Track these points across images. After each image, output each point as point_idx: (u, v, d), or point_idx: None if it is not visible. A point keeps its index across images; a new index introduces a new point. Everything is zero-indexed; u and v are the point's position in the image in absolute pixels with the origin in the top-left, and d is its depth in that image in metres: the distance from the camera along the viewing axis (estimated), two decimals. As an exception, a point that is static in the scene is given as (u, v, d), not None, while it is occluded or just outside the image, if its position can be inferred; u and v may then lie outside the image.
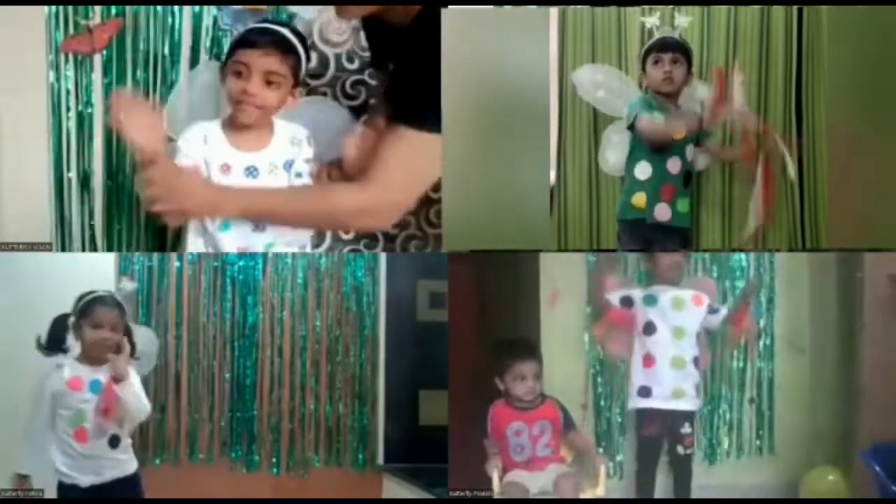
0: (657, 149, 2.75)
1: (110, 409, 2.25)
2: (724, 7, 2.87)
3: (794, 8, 2.83)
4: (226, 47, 2.52)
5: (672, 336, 2.64)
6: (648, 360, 2.66)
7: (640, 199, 2.76)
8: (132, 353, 2.35)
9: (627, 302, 2.69)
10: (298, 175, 2.32)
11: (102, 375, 2.28)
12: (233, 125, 2.29)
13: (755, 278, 2.86)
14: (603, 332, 2.76)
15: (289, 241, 2.35)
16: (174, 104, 2.62)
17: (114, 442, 2.31)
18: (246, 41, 2.23)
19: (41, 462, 2.32)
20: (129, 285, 2.48)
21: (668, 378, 2.63)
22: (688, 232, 2.82)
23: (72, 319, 2.35)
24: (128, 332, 2.35)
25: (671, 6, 2.84)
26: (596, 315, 2.81)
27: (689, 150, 2.77)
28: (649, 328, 2.66)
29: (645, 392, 2.66)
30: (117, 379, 2.25)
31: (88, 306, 2.32)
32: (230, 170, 2.25)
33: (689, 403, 2.65)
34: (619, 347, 2.75)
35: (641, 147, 2.78)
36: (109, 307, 2.33)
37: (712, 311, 2.69)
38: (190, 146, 2.25)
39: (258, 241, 2.29)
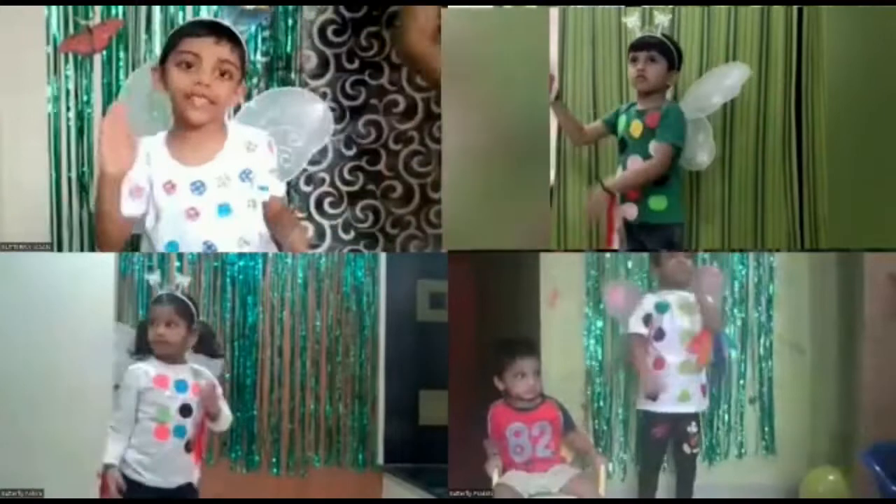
0: (623, 148, 2.74)
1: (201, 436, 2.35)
2: (724, 7, 2.87)
3: (794, 8, 2.83)
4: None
5: (680, 341, 2.64)
6: (659, 364, 2.66)
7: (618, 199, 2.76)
8: (211, 351, 2.40)
9: (648, 320, 2.68)
10: (263, 189, 2.14)
11: (184, 375, 2.31)
12: (177, 136, 2.10)
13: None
14: (644, 360, 2.70)
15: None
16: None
17: (189, 447, 2.32)
18: (193, 31, 2.06)
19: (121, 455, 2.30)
20: (184, 280, 2.42)
21: (675, 382, 2.63)
22: (671, 229, 2.72)
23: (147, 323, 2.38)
24: (206, 330, 2.41)
25: (650, 6, 2.82)
26: (626, 349, 2.78)
27: (653, 147, 2.65)
28: (659, 334, 2.66)
29: (653, 396, 2.65)
30: (210, 417, 2.33)
31: (149, 307, 2.40)
32: (175, 188, 2.07)
33: (694, 406, 2.65)
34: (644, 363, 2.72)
35: (617, 151, 2.77)
36: (162, 304, 2.33)
37: None
38: (136, 166, 2.07)
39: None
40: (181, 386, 2.30)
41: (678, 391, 2.63)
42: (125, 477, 2.26)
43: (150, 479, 2.27)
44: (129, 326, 2.76)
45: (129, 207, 2.07)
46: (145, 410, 2.28)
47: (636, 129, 2.69)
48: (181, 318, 2.32)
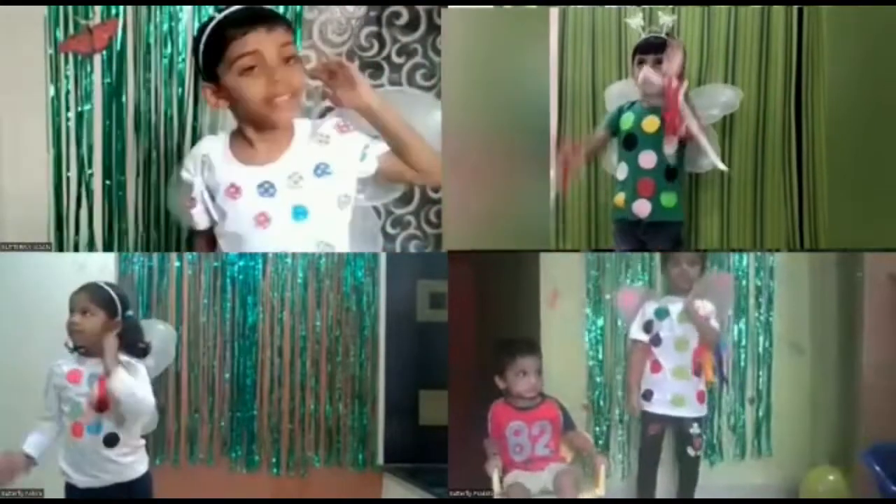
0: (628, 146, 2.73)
1: (102, 402, 2.17)
2: (723, 7, 2.87)
3: (794, 8, 2.83)
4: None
5: (675, 348, 2.66)
6: (656, 367, 2.68)
7: (619, 198, 2.74)
8: (136, 348, 2.25)
9: (649, 326, 2.70)
10: (364, 158, 1.92)
11: (100, 369, 2.20)
12: (242, 137, 1.92)
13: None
14: (638, 370, 2.72)
15: None
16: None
17: (110, 441, 2.19)
18: (238, 30, 1.81)
19: (47, 451, 2.27)
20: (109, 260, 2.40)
21: (669, 386, 2.65)
22: (677, 227, 2.75)
23: None
24: (130, 325, 2.25)
25: (654, 6, 2.82)
26: (627, 357, 2.80)
27: (668, 143, 2.65)
28: (657, 340, 2.68)
29: (647, 395, 2.68)
30: (106, 373, 2.16)
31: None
32: (239, 191, 1.87)
33: (689, 411, 2.66)
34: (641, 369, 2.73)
35: (620, 148, 2.77)
36: (79, 292, 2.24)
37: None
38: (192, 167, 1.96)
39: None
40: (94, 380, 2.19)
41: (671, 395, 2.65)
42: (66, 484, 2.22)
43: (79, 479, 2.21)
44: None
45: (194, 220, 1.97)
46: (62, 408, 2.22)
47: (651, 124, 2.68)
48: (98, 308, 2.20)
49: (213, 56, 1.83)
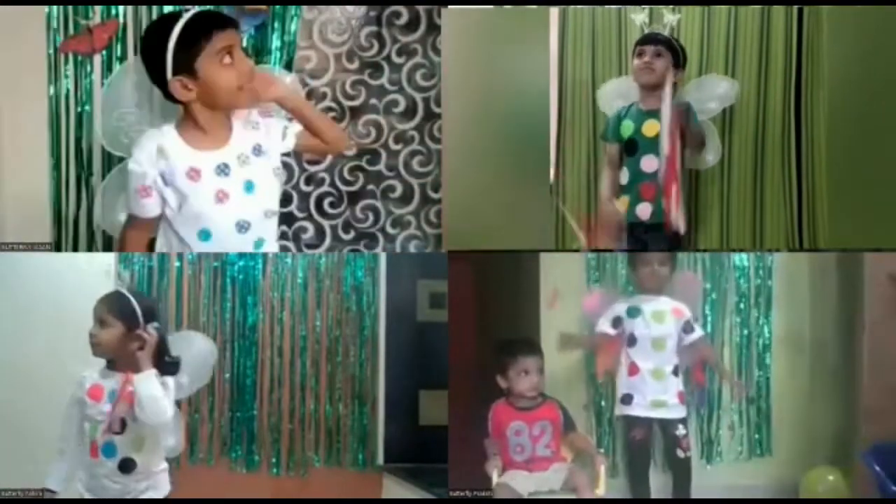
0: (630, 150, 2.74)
1: (121, 403, 2.05)
2: (724, 7, 2.87)
3: (794, 8, 2.83)
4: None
5: (651, 348, 2.65)
6: (633, 369, 2.67)
7: (622, 202, 2.75)
8: (164, 364, 2.11)
9: (618, 322, 2.69)
10: (287, 129, 2.21)
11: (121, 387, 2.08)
12: (189, 127, 2.11)
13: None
14: (607, 365, 2.73)
15: (273, 232, 2.21)
16: (108, 99, 2.41)
17: (125, 466, 2.07)
18: (212, 27, 2.03)
19: (70, 477, 2.14)
20: (126, 274, 2.34)
21: (648, 388, 2.64)
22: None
23: None
24: (163, 340, 2.12)
25: (658, 5, 2.83)
26: (594, 351, 2.78)
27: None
28: (632, 340, 2.67)
29: (627, 399, 2.67)
30: (134, 371, 2.05)
31: None
32: (199, 174, 2.08)
33: (670, 412, 2.65)
34: (609, 364, 2.75)
35: (624, 153, 2.77)
36: (99, 300, 2.14)
37: (687, 328, 2.68)
38: (143, 159, 2.08)
39: (244, 242, 2.13)
40: (114, 397, 2.08)
41: (651, 398, 2.64)
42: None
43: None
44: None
45: (146, 209, 2.10)
46: (83, 425, 2.11)
47: (651, 128, 2.69)
48: (116, 319, 2.10)
49: (191, 48, 2.02)
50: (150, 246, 2.20)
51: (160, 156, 2.07)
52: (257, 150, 2.15)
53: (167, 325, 2.38)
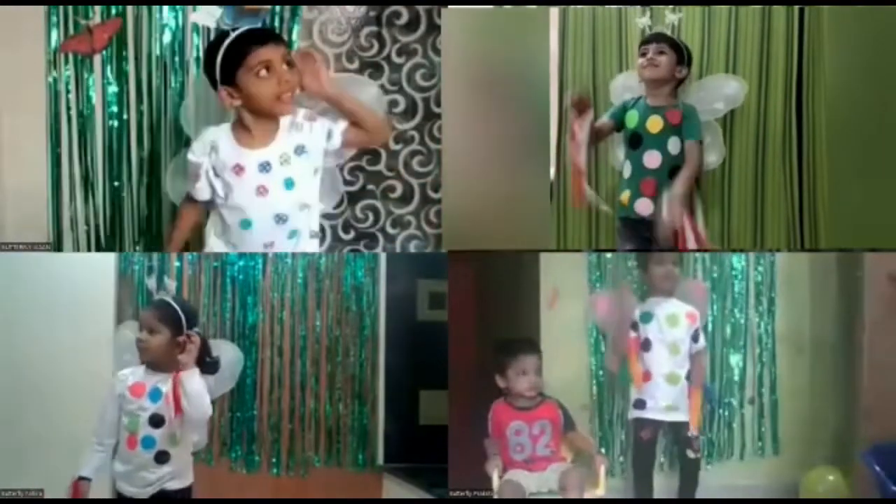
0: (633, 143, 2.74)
1: (177, 403, 2.21)
2: (724, 7, 2.87)
3: (796, 8, 2.83)
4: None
5: (668, 352, 2.66)
6: (646, 376, 2.67)
7: (624, 196, 2.75)
8: (207, 366, 2.29)
9: (634, 327, 2.70)
10: (331, 134, 2.37)
11: (164, 385, 2.25)
12: (240, 128, 2.33)
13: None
14: (619, 361, 2.76)
15: (309, 226, 2.38)
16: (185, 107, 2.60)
17: (160, 458, 2.26)
18: (252, 46, 2.25)
19: (104, 467, 2.31)
20: (171, 284, 2.42)
21: (662, 393, 2.65)
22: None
23: None
24: (204, 342, 2.30)
25: (660, 6, 2.83)
26: (610, 346, 2.80)
27: (673, 143, 2.70)
28: (646, 345, 2.68)
29: (640, 405, 2.68)
30: (181, 369, 2.21)
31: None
32: (244, 170, 2.30)
33: (684, 415, 2.66)
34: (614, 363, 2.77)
35: (626, 146, 2.77)
36: (147, 308, 2.35)
37: (696, 337, 2.69)
38: (199, 150, 2.33)
39: (282, 233, 2.32)
40: (155, 395, 2.27)
41: (665, 403, 2.65)
42: (114, 489, 2.29)
43: (127, 489, 2.27)
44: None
45: (197, 192, 2.34)
46: (122, 419, 2.27)
47: (655, 124, 2.70)
48: (164, 325, 2.27)
49: (233, 64, 2.25)
50: (198, 228, 2.47)
51: (212, 150, 2.31)
52: (300, 150, 2.33)
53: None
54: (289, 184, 2.31)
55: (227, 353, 2.64)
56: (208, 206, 2.39)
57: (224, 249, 2.37)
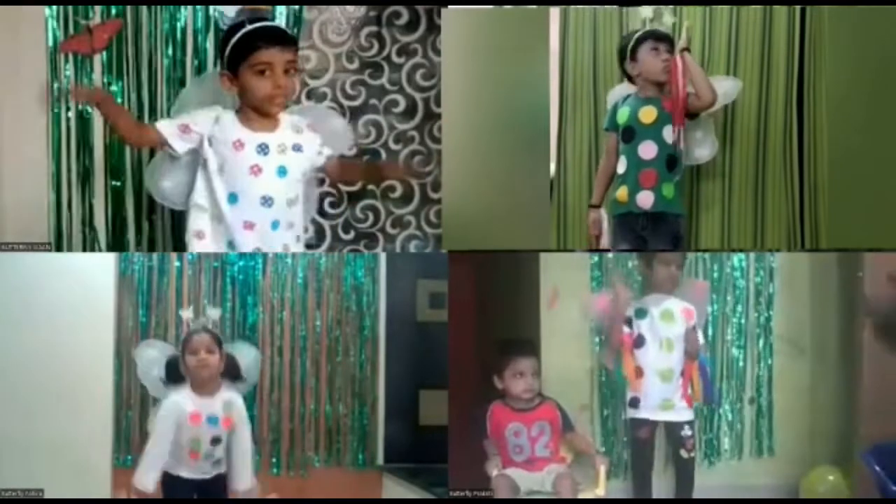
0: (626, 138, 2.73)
1: (230, 423, 2.54)
2: (725, 7, 2.87)
3: (797, 8, 2.83)
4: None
5: (660, 348, 2.63)
6: (639, 372, 2.65)
7: (622, 192, 2.72)
8: (236, 375, 2.58)
9: (629, 323, 2.68)
10: (320, 154, 2.48)
11: (219, 411, 2.51)
12: (245, 113, 2.40)
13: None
14: (614, 357, 2.74)
15: (291, 223, 2.42)
16: (183, 101, 2.60)
17: (217, 464, 2.54)
18: (262, 44, 2.33)
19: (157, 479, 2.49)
20: (215, 312, 2.63)
21: (655, 390, 2.63)
22: (678, 219, 2.73)
23: (179, 355, 2.54)
24: (231, 359, 2.58)
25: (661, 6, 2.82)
26: (605, 342, 2.79)
27: (668, 132, 2.67)
28: (639, 341, 2.66)
29: (634, 403, 2.66)
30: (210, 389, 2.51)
31: (186, 339, 2.53)
32: (243, 146, 2.37)
33: (678, 415, 2.64)
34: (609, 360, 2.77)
35: (619, 142, 2.75)
36: (200, 333, 2.53)
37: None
38: (200, 118, 2.39)
39: (264, 217, 2.37)
40: (213, 420, 2.50)
41: (659, 400, 2.63)
42: (165, 474, 2.49)
43: (186, 473, 2.50)
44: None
45: (177, 143, 2.38)
46: (179, 439, 2.49)
47: (648, 114, 2.68)
48: (217, 346, 2.52)
49: (238, 56, 2.34)
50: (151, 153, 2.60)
51: (216, 122, 2.38)
52: (297, 148, 2.42)
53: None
54: (282, 171, 2.38)
55: (248, 355, 2.73)
56: (170, 152, 2.40)
57: (207, 224, 2.40)
